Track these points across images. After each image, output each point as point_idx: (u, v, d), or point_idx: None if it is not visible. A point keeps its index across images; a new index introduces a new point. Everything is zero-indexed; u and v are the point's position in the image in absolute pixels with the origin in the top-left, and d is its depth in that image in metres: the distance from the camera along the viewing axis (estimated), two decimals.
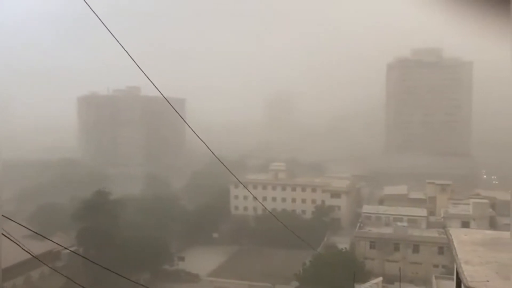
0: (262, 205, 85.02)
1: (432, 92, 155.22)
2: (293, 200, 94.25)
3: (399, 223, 68.38)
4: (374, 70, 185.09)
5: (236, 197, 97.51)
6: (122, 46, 12.80)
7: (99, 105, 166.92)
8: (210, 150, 16.66)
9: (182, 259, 71.45)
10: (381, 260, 64.50)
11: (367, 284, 42.31)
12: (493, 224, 64.30)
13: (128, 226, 66.43)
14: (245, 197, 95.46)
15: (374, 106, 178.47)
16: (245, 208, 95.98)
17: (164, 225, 75.05)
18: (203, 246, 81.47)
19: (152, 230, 68.84)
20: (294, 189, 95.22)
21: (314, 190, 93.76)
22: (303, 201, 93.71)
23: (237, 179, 56.44)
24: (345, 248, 65.18)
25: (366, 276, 53.10)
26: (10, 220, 11.73)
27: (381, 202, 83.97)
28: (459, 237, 14.36)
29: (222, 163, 19.28)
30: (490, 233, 16.17)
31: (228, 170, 21.72)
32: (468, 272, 11.12)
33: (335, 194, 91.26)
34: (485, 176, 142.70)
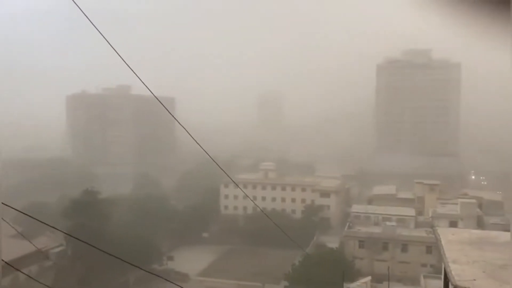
0: (255, 203, 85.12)
1: (421, 93, 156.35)
2: (283, 200, 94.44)
3: (388, 223, 68.79)
4: (364, 70, 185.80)
5: (226, 196, 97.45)
6: (110, 44, 12.73)
7: (89, 104, 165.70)
8: (202, 148, 16.63)
9: (171, 258, 71.28)
10: (370, 260, 64.89)
11: (356, 283, 42.55)
12: (480, 224, 64.99)
13: (117, 225, 66.13)
14: (235, 197, 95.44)
15: (363, 106, 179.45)
16: (235, 208, 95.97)
17: (154, 224, 74.80)
18: (193, 245, 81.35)
19: (142, 230, 68.61)
20: (284, 189, 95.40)
21: (303, 189, 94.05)
22: (293, 200, 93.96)
23: (229, 177, 56.42)
24: (335, 247, 65.53)
25: (355, 275, 53.42)
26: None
27: (370, 201, 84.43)
28: (447, 236, 14.52)
29: (214, 161, 19.29)
30: (477, 232, 16.37)
31: (221, 169, 21.73)
32: (455, 271, 11.25)
33: (325, 194, 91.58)
34: (473, 177, 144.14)
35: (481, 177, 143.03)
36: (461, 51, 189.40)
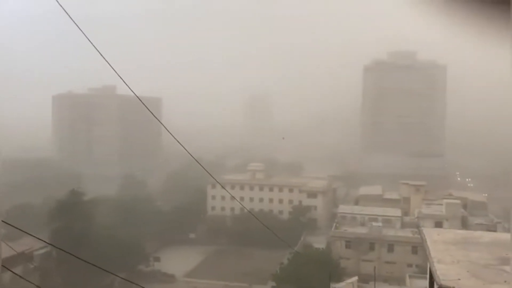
0: (241, 204, 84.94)
1: (407, 94, 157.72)
2: (271, 201, 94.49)
3: (374, 223, 69.20)
4: (350, 72, 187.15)
5: (213, 197, 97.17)
6: (93, 45, 12.65)
7: (74, 104, 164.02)
8: (186, 150, 16.59)
9: (158, 259, 70.91)
10: (356, 260, 65.25)
11: (343, 284, 42.72)
12: (464, 224, 65.78)
13: (103, 226, 65.57)
14: (223, 197, 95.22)
15: (350, 107, 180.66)
16: (222, 209, 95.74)
17: (140, 225, 74.34)
18: (180, 246, 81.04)
19: (128, 231, 68.10)
20: (271, 189, 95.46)
21: (291, 190, 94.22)
22: (280, 201, 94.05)
23: (214, 178, 56.37)
24: (322, 247, 65.74)
25: (342, 276, 53.64)
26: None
27: (356, 202, 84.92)
28: (432, 236, 14.66)
29: (198, 162, 19.25)
30: (461, 232, 16.56)
31: (205, 169, 21.68)
32: (440, 270, 11.37)
33: (312, 194, 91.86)
34: (459, 179, 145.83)
35: (467, 179, 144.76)
36: (446, 53, 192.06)
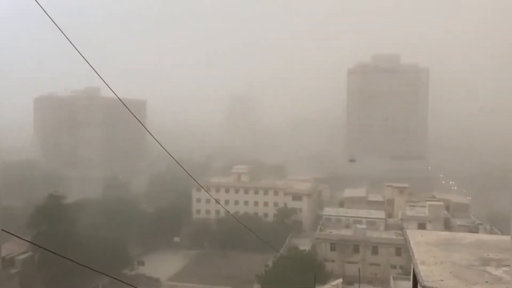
0: (224, 208, 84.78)
1: (391, 97, 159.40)
2: (256, 203, 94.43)
3: (358, 225, 69.66)
4: (335, 75, 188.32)
5: (198, 200, 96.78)
6: (75, 47, 12.52)
7: (57, 106, 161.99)
8: (169, 153, 16.48)
9: (142, 263, 70.24)
10: (341, 262, 65.57)
11: (328, 286, 42.90)
12: (447, 225, 66.65)
13: (86, 230, 64.73)
14: (208, 200, 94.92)
15: (335, 110, 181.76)
16: (207, 212, 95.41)
17: (124, 229, 73.62)
18: (164, 250, 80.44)
19: (112, 234, 67.38)
20: (256, 192, 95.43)
21: (276, 193, 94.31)
22: (265, 204, 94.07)
23: (197, 182, 55.83)
24: (307, 250, 65.89)
25: (326, 278, 53.84)
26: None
27: (341, 204, 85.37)
28: (416, 238, 14.78)
29: (181, 166, 19.12)
30: (444, 234, 16.73)
31: (188, 173, 21.54)
32: (424, 272, 11.46)
33: (297, 197, 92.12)
34: (443, 182, 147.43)
35: (450, 181, 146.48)
36: (429, 56, 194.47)
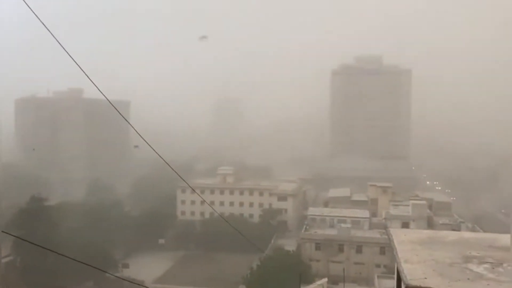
0: (214, 209, 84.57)
1: (374, 98, 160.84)
2: (241, 204, 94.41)
3: (343, 225, 69.99)
4: (319, 76, 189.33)
5: (183, 202, 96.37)
6: (62, 46, 12.38)
7: (38, 107, 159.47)
8: (157, 153, 16.41)
9: (126, 266, 69.67)
10: (326, 261, 65.88)
11: (313, 285, 43.02)
12: (430, 224, 67.47)
13: (69, 233, 63.91)
14: (192, 202, 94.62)
15: (319, 111, 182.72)
16: (192, 213, 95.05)
17: (108, 231, 72.88)
18: (149, 252, 79.85)
19: (95, 237, 66.64)
20: (241, 193, 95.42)
21: (261, 193, 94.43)
22: (251, 204, 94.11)
23: (186, 183, 55.95)
24: (292, 250, 66.08)
25: (312, 277, 54.04)
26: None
27: (326, 204, 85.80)
28: (399, 237, 14.95)
29: (170, 167, 19.04)
30: (427, 232, 16.95)
31: (178, 174, 21.49)
32: (407, 270, 11.60)
33: (282, 197, 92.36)
34: (428, 183, 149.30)
35: (434, 182, 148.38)
36: (411, 58, 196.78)
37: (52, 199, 71.47)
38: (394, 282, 15.02)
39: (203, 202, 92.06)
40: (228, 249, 76.07)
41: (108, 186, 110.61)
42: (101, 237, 68.31)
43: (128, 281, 65.22)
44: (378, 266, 63.25)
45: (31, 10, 11.26)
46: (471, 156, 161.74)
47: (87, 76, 13.14)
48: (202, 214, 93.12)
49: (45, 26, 11.78)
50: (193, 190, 78.19)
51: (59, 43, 12.11)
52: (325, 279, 45.58)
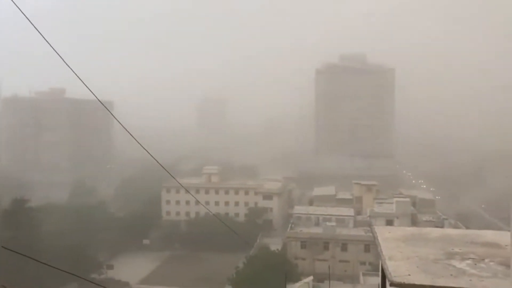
0: (207, 209, 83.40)
1: (358, 96, 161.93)
2: (226, 203, 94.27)
3: (328, 223, 70.36)
4: (303, 75, 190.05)
5: (168, 202, 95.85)
6: (51, 46, 12.19)
7: (20, 108, 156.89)
8: (148, 152, 16.28)
9: (111, 267, 69.07)
10: (311, 260, 66.17)
11: (299, 284, 43.25)
12: (414, 221, 68.22)
13: (52, 235, 63.07)
14: (177, 202, 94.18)
15: (303, 110, 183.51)
16: (177, 213, 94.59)
17: (92, 233, 72.13)
18: (134, 253, 79.26)
19: (79, 239, 65.90)
20: (227, 192, 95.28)
21: (247, 192, 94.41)
22: (236, 203, 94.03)
23: (179, 183, 55.40)
24: (277, 249, 66.22)
25: (297, 276, 54.26)
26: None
27: (311, 202, 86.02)
28: (384, 234, 15.06)
29: (160, 165, 18.90)
30: (411, 229, 17.12)
31: (169, 173, 21.28)
32: (391, 267, 11.70)
33: (267, 196, 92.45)
34: (413, 181, 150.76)
35: (419, 180, 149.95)
36: (395, 57, 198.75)
37: (35, 201, 70.43)
38: (379, 279, 15.15)
39: (188, 202, 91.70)
40: (214, 249, 75.93)
41: (92, 187, 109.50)
42: (85, 239, 67.60)
43: (114, 282, 64.85)
44: (363, 263, 63.73)
45: (18, 8, 11.07)
46: (455, 153, 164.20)
47: (77, 75, 12.94)
48: (187, 214, 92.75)
49: (34, 26, 11.57)
50: (187, 190, 77.44)
51: (48, 42, 11.90)
52: (311, 277, 45.88)
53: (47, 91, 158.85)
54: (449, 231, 20.34)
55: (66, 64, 12.85)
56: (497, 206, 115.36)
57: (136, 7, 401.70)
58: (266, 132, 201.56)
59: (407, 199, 72.93)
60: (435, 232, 16.15)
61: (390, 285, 11.03)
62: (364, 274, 50.54)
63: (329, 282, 44.73)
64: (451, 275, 11.30)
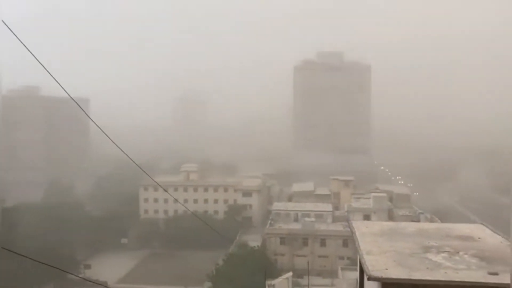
0: (185, 207, 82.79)
1: (335, 93, 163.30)
2: (205, 201, 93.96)
3: (307, 219, 70.70)
4: (281, 72, 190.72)
5: (146, 200, 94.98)
6: (22, 42, 11.93)
7: None
8: (122, 150, 16.09)
9: (88, 266, 68.17)
10: (290, 255, 66.48)
11: (278, 280, 43.40)
12: (391, 216, 69.24)
13: (27, 235, 61.86)
14: (155, 200, 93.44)
15: (282, 107, 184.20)
16: (156, 211, 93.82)
17: (68, 233, 71.07)
18: (111, 252, 78.39)
19: (54, 239, 64.85)
20: (206, 190, 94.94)
21: (226, 189, 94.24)
22: (216, 201, 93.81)
23: (156, 183, 54.96)
24: (257, 245, 66.32)
25: (277, 272, 54.45)
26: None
27: (290, 199, 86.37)
28: (361, 229, 15.29)
29: (136, 163, 18.74)
30: (388, 224, 17.41)
31: (144, 172, 21.19)
32: (369, 262, 11.88)
33: (247, 193, 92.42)
34: (392, 178, 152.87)
35: (397, 176, 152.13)
36: (371, 53, 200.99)
37: (9, 200, 68.98)
38: (357, 274, 15.37)
39: (166, 200, 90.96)
40: (193, 246, 75.65)
41: (68, 186, 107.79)
42: (62, 238, 66.56)
43: (91, 281, 63.98)
44: (341, 258, 64.33)
45: None
46: (430, 149, 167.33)
47: (49, 73, 12.70)
48: (165, 212, 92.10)
49: (6, 25, 11.31)
50: (164, 190, 76.57)
51: (19, 39, 11.65)
52: (290, 273, 46.03)
53: (20, 89, 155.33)
54: (425, 225, 20.76)
55: (38, 60, 12.62)
56: (470, 200, 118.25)
57: (114, 6, 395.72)
58: (245, 130, 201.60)
59: (384, 194, 73.92)
60: (411, 226, 16.47)
61: (368, 279, 11.22)
62: (342, 269, 50.98)
63: (308, 277, 45.04)
64: (427, 268, 11.55)
